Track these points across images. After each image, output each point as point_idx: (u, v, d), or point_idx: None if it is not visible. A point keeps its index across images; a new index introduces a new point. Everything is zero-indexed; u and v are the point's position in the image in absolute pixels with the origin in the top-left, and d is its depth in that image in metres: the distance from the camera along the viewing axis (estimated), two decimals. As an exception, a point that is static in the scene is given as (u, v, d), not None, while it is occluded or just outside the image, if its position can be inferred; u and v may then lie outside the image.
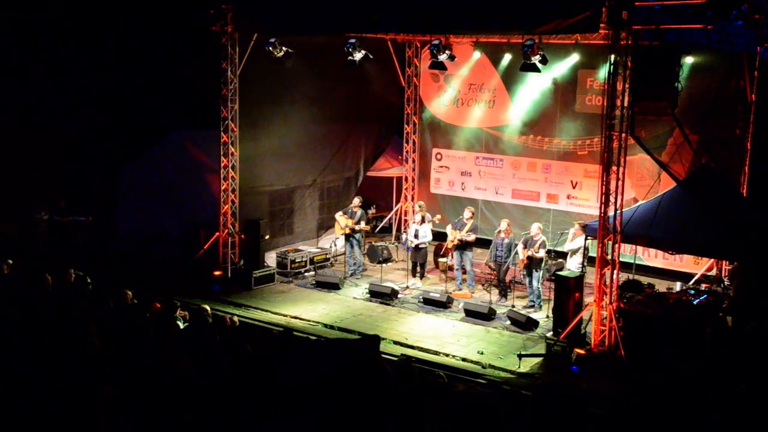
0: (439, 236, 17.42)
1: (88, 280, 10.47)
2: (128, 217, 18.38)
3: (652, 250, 15.93)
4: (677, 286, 14.60)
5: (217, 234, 16.59)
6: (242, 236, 16.57)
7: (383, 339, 13.06)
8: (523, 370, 11.95)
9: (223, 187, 16.58)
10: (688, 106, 13.50)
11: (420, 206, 17.30)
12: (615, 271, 12.36)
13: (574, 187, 17.66)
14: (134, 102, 20.13)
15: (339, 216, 17.03)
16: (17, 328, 7.97)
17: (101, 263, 16.26)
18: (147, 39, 19.97)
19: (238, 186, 16.67)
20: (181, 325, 9.75)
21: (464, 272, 15.86)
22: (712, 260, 15.45)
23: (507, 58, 17.59)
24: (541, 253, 14.59)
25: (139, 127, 19.68)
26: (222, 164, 16.50)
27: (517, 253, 14.91)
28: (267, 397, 5.60)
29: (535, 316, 14.27)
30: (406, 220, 19.80)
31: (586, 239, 13.85)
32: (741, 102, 14.60)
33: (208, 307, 10.13)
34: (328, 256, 17.78)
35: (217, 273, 16.19)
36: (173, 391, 6.44)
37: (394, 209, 20.39)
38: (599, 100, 15.85)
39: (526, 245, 14.74)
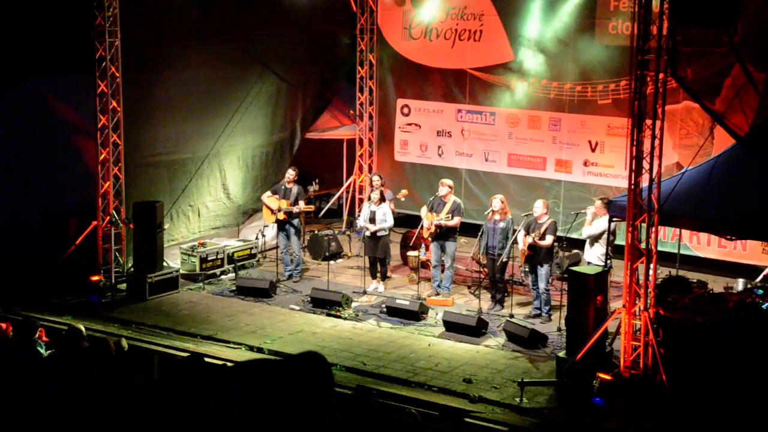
0: (409, 220, 17.39)
1: None
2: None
3: (703, 236, 16.11)
4: (739, 284, 14.75)
5: (95, 223, 16.43)
6: (131, 225, 16.45)
7: (333, 365, 13.06)
8: (526, 404, 12.01)
9: (101, 157, 16.37)
10: (752, 34, 13.56)
11: (378, 178, 17.16)
12: (652, 265, 12.45)
13: (593, 150, 17.79)
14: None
15: (266, 197, 16.94)
16: None
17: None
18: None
19: (123, 155, 16.51)
20: (44, 353, 9.65)
21: (443, 270, 15.89)
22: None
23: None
24: (548, 240, 14.66)
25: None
26: (99, 124, 16.28)
27: (516, 241, 14.96)
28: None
29: (541, 328, 14.35)
30: (361, 199, 19.78)
31: (611, 221, 13.92)
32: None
33: (82, 327, 10.09)
34: (253, 252, 17.75)
35: (95, 278, 16.11)
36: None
37: (345, 185, 20.36)
38: (628, 27, 15.93)
39: (529, 231, 14.79)
